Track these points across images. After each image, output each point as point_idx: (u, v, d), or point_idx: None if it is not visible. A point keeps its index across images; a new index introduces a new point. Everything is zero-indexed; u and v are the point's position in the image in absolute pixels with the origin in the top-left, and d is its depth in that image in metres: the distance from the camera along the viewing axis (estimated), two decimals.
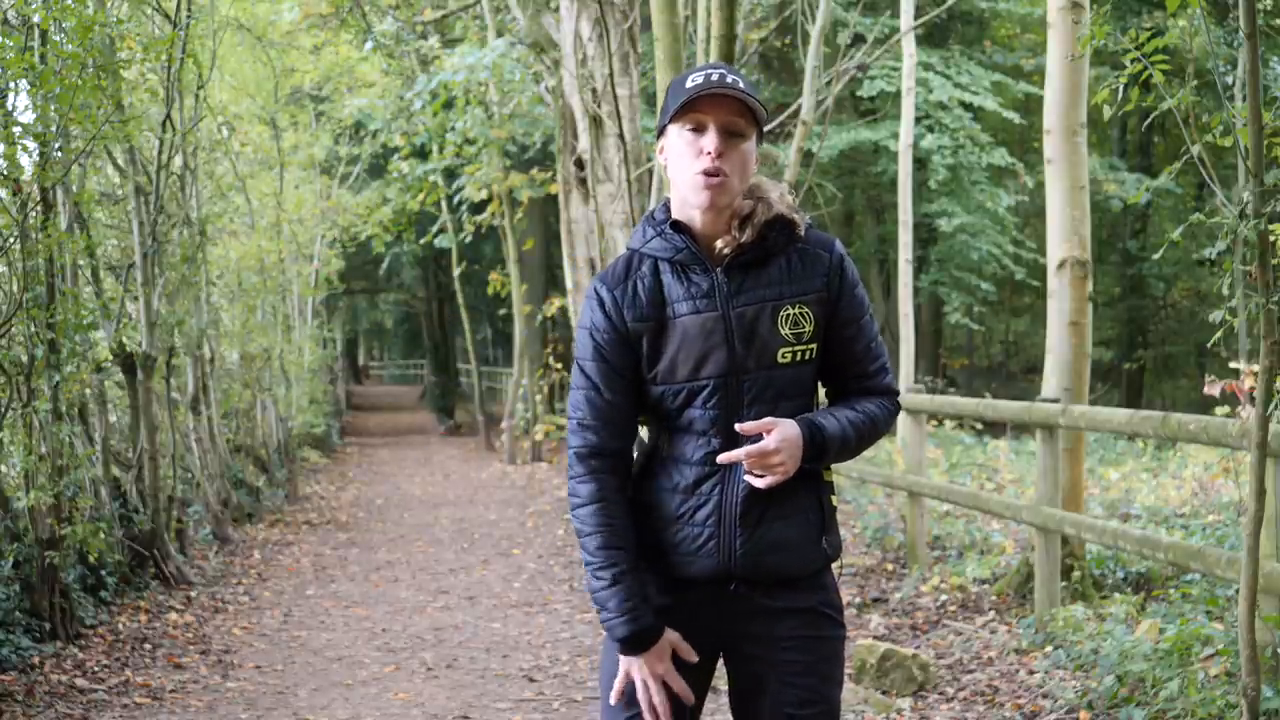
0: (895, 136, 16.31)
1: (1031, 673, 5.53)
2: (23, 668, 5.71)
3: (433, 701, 5.53)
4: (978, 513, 9.11)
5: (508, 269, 18.48)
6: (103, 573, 7.13)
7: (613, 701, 2.43)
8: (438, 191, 18.56)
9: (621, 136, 9.14)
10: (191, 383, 10.42)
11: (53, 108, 6.05)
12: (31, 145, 6.24)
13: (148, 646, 6.49)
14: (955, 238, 20.60)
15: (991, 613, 6.76)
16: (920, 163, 18.99)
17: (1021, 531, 8.65)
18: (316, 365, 19.07)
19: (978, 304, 22.19)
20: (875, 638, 6.33)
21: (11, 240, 6.08)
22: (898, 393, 2.54)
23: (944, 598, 7.20)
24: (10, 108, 6.25)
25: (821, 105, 8.63)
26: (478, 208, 18.47)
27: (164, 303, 8.74)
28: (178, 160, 9.13)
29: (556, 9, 12.03)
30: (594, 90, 10.95)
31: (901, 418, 9.18)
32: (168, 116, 8.27)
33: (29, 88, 6.18)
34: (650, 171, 8.20)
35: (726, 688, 2.53)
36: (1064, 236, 7.04)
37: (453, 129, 16.15)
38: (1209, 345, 4.34)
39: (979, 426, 16.63)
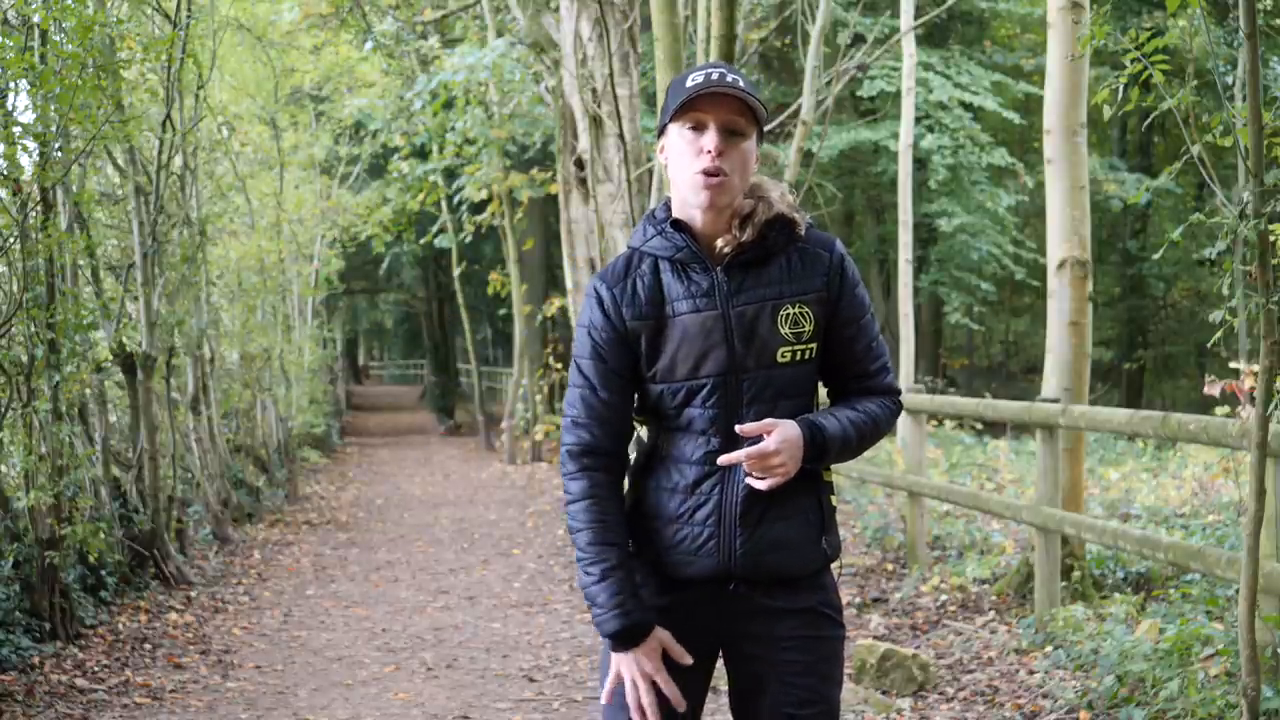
0: (895, 136, 16.31)
1: (1031, 673, 5.53)
2: (23, 668, 5.71)
3: (433, 701, 5.53)
4: (978, 513, 9.11)
5: (508, 269, 18.48)
6: (103, 573, 7.13)
7: (604, 701, 2.43)
8: (438, 191, 18.56)
9: (621, 136, 9.14)
10: (191, 383, 10.42)
11: (53, 108, 6.05)
12: (31, 145, 6.24)
13: (148, 646, 6.49)
14: (955, 238, 20.61)
15: (991, 613, 6.76)
16: (920, 163, 18.99)
17: (1021, 531, 8.65)
18: (316, 365, 19.07)
19: (978, 304, 22.20)
20: (875, 638, 6.33)
21: (11, 240, 6.08)
22: (899, 392, 2.54)
23: (944, 598, 7.20)
24: (10, 108, 6.25)
25: (821, 105, 8.63)
26: (478, 208, 18.47)
27: (164, 303, 8.74)
28: (178, 160, 9.12)
29: (556, 9, 12.03)
30: (594, 90, 10.95)
31: (901, 418, 9.16)
32: (168, 116, 8.27)
33: (29, 88, 6.18)
34: (650, 171, 8.20)
35: (726, 688, 2.53)
36: (1064, 236, 7.04)
37: (453, 129, 16.16)
38: (1209, 345, 4.34)
39: (979, 426, 16.63)
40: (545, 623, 7.23)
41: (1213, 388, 5.15)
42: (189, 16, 8.22)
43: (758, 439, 2.32)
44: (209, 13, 10.58)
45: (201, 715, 5.34)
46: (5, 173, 6.02)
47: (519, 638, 6.84)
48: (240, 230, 13.14)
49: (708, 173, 2.33)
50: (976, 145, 20.14)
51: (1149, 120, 4.18)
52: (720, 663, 2.51)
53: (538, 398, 18.36)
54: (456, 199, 18.49)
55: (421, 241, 21.65)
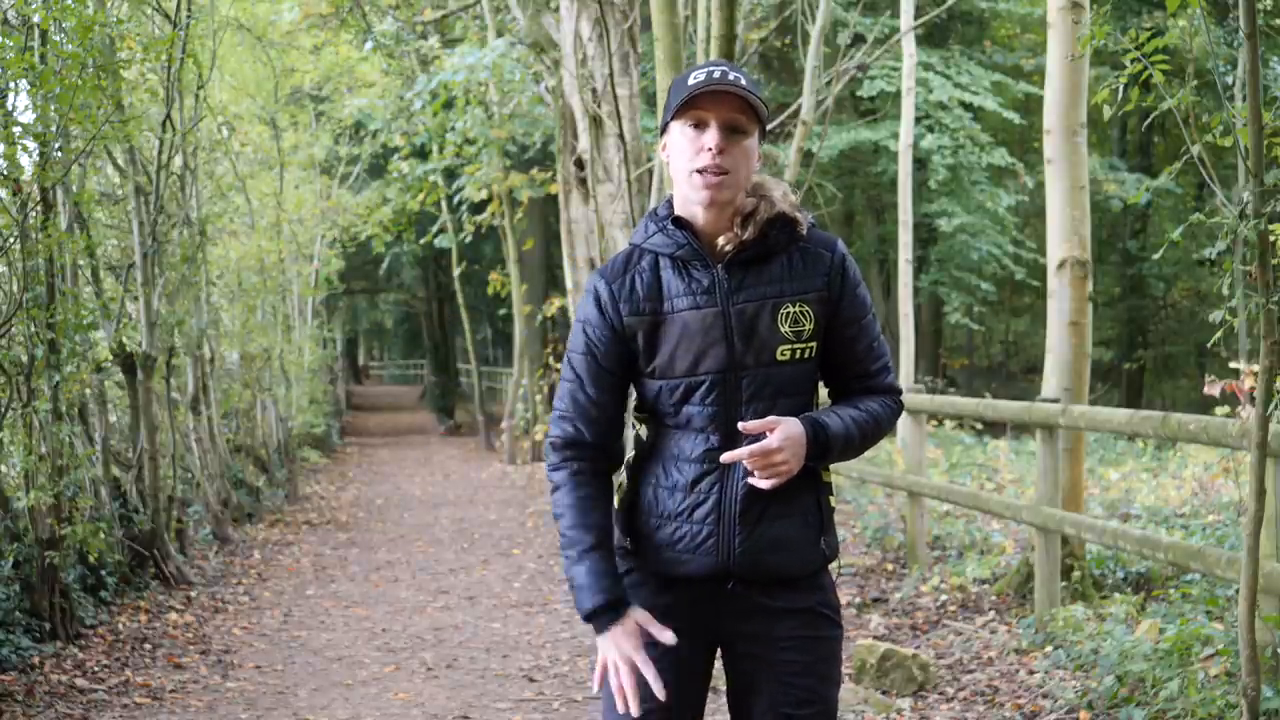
0: (895, 136, 16.31)
1: (1031, 673, 5.53)
2: (23, 668, 5.71)
3: (433, 701, 5.53)
4: (978, 513, 9.11)
5: (508, 269, 18.48)
6: (103, 573, 7.13)
7: (595, 687, 2.43)
8: (438, 191, 18.56)
9: (621, 136, 9.15)
10: (191, 383, 10.42)
11: (53, 108, 6.05)
12: (31, 145, 6.23)
13: (148, 646, 6.49)
14: (955, 238, 20.61)
15: (991, 613, 6.75)
16: (920, 163, 19.00)
17: (1021, 531, 8.65)
18: (316, 365, 19.07)
19: (978, 304, 22.20)
20: (875, 638, 6.33)
21: (11, 240, 6.08)
22: (900, 391, 2.54)
23: (944, 598, 7.20)
24: (10, 108, 6.25)
25: (821, 105, 8.63)
26: (478, 208, 18.47)
27: (164, 303, 8.73)
28: (178, 160, 9.12)
29: (556, 9, 12.03)
30: (594, 90, 10.95)
31: (901, 418, 9.17)
32: (168, 116, 8.27)
33: (29, 88, 6.17)
34: (650, 171, 8.20)
35: (726, 688, 2.53)
36: (1064, 236, 7.04)
37: (453, 129, 16.16)
38: (1209, 345, 4.34)
39: (979, 426, 16.63)
40: (545, 623, 7.23)
41: (1213, 388, 5.15)
42: (189, 16, 8.22)
43: (760, 436, 2.32)
44: (209, 13, 10.58)
45: (201, 715, 5.34)
46: (5, 173, 6.02)
47: (519, 638, 6.84)
48: (240, 230, 13.14)
49: (709, 170, 2.33)
50: (976, 145, 20.15)
51: (1149, 120, 4.18)
52: (719, 663, 2.51)
53: (538, 398, 18.36)
54: (456, 199, 18.49)
55: (421, 241, 21.65)
